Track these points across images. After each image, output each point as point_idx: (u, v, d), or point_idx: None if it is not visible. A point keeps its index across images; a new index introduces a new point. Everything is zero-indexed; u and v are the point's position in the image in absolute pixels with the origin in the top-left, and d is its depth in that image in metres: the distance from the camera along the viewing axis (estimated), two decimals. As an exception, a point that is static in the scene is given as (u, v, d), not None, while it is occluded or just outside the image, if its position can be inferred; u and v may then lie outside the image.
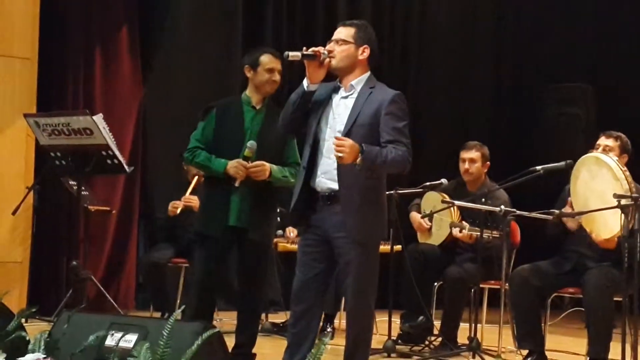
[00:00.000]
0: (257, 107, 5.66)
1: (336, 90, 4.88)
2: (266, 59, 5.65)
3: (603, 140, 6.21)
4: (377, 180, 4.81)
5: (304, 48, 4.78)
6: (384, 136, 4.71)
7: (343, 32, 4.85)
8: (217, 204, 5.57)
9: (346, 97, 4.84)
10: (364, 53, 4.84)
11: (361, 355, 4.87)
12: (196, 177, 7.46)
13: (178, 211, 7.52)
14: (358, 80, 4.84)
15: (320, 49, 4.78)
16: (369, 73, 4.89)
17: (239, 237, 5.56)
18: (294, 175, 5.51)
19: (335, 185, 4.74)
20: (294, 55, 4.76)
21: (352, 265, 4.72)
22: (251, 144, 5.48)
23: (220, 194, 5.56)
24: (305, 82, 4.82)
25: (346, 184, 4.70)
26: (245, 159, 5.46)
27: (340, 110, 4.81)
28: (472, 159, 7.10)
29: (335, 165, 4.70)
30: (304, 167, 4.84)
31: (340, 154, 4.54)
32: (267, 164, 5.49)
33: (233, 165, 5.46)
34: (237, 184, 5.44)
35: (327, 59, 4.77)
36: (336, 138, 4.60)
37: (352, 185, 4.70)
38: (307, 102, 4.84)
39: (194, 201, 7.45)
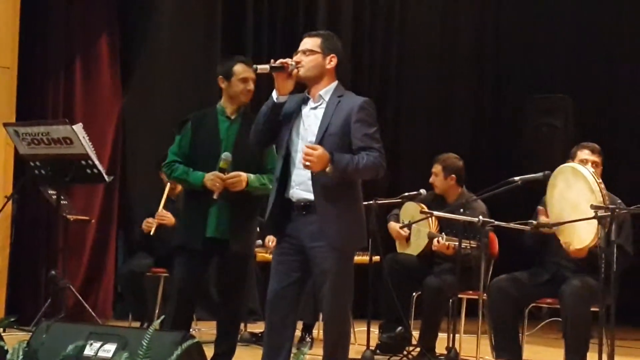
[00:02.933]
0: (232, 117, 5.66)
1: (305, 101, 4.90)
2: (240, 69, 5.64)
3: (588, 155, 6.21)
4: (352, 189, 4.83)
5: (272, 60, 4.81)
6: (355, 143, 4.73)
7: (309, 42, 4.88)
8: (196, 216, 5.57)
9: (315, 108, 4.86)
10: (331, 62, 4.87)
11: None
12: (167, 188, 7.45)
13: (152, 231, 7.52)
14: (326, 90, 4.87)
15: (288, 60, 4.81)
16: (336, 82, 4.91)
17: (219, 248, 5.56)
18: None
19: (310, 196, 4.75)
20: (263, 68, 4.79)
21: (329, 274, 4.73)
22: (226, 155, 5.48)
23: (199, 207, 5.56)
24: (274, 94, 4.83)
25: (322, 194, 4.72)
26: (221, 170, 5.46)
27: (311, 121, 4.84)
28: (435, 172, 7.17)
29: (309, 175, 4.73)
30: (277, 178, 4.86)
31: (307, 163, 4.57)
32: (244, 174, 5.49)
33: (209, 178, 5.46)
34: (215, 197, 5.44)
35: (295, 70, 4.80)
36: (306, 146, 4.63)
37: (327, 195, 4.72)
38: (277, 114, 4.85)
39: (167, 218, 7.47)
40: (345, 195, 4.79)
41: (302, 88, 4.95)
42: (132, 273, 7.75)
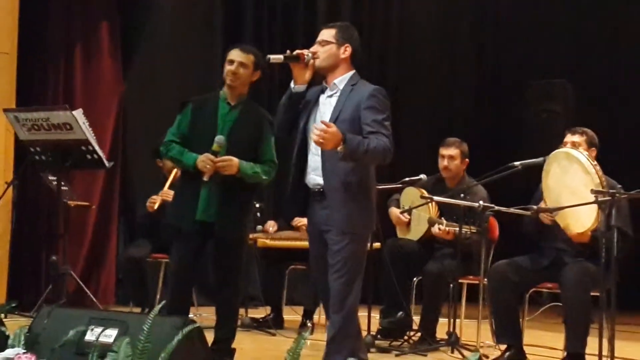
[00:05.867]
0: (232, 104, 5.65)
1: (323, 90, 5.03)
2: (230, 52, 5.64)
3: (569, 138, 6.25)
4: (363, 175, 4.89)
5: (287, 51, 4.90)
6: (365, 129, 4.82)
7: (325, 34, 5.02)
8: (188, 197, 5.57)
9: (330, 96, 4.99)
10: (345, 51, 4.98)
11: (345, 348, 4.89)
12: (174, 171, 7.45)
13: (156, 206, 7.51)
14: (341, 79, 4.99)
15: (304, 51, 4.94)
16: (352, 71, 5.02)
17: (209, 232, 5.55)
18: (267, 173, 5.57)
19: (322, 181, 4.86)
20: (276, 58, 4.89)
21: (338, 257, 4.82)
22: (219, 138, 5.47)
23: (191, 188, 5.56)
24: (292, 84, 4.97)
25: (331, 180, 4.83)
26: (214, 153, 5.45)
27: (325, 108, 4.96)
28: (451, 155, 7.13)
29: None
30: (294, 164, 4.98)
31: (321, 140, 4.62)
32: (235, 159, 5.46)
33: (201, 160, 5.46)
34: (205, 178, 5.42)
35: (312, 60, 4.92)
36: (321, 122, 4.70)
37: (336, 180, 4.83)
38: (296, 103, 4.99)
39: (171, 196, 7.46)
40: (355, 181, 4.86)
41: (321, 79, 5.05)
42: (132, 258, 7.74)
